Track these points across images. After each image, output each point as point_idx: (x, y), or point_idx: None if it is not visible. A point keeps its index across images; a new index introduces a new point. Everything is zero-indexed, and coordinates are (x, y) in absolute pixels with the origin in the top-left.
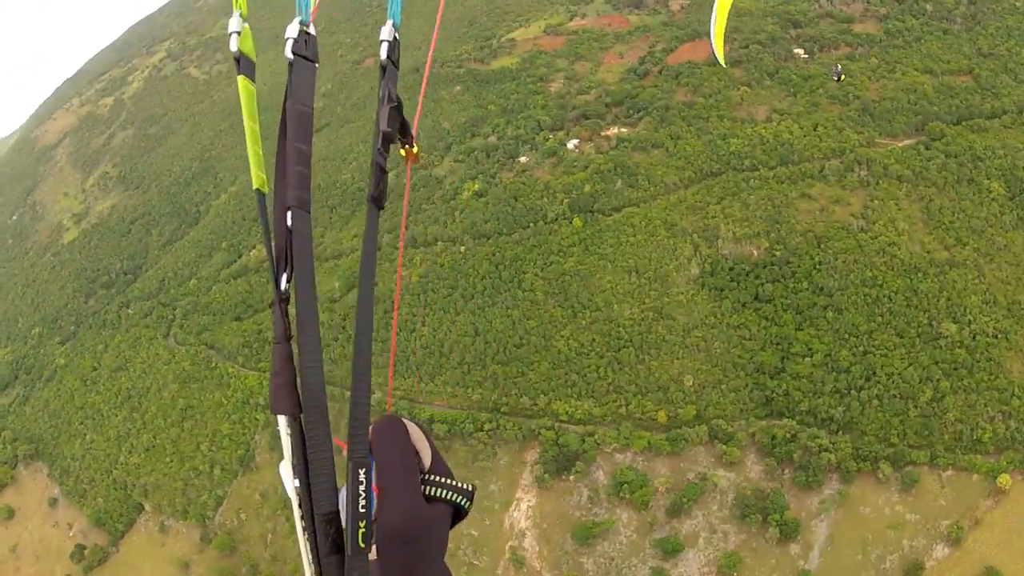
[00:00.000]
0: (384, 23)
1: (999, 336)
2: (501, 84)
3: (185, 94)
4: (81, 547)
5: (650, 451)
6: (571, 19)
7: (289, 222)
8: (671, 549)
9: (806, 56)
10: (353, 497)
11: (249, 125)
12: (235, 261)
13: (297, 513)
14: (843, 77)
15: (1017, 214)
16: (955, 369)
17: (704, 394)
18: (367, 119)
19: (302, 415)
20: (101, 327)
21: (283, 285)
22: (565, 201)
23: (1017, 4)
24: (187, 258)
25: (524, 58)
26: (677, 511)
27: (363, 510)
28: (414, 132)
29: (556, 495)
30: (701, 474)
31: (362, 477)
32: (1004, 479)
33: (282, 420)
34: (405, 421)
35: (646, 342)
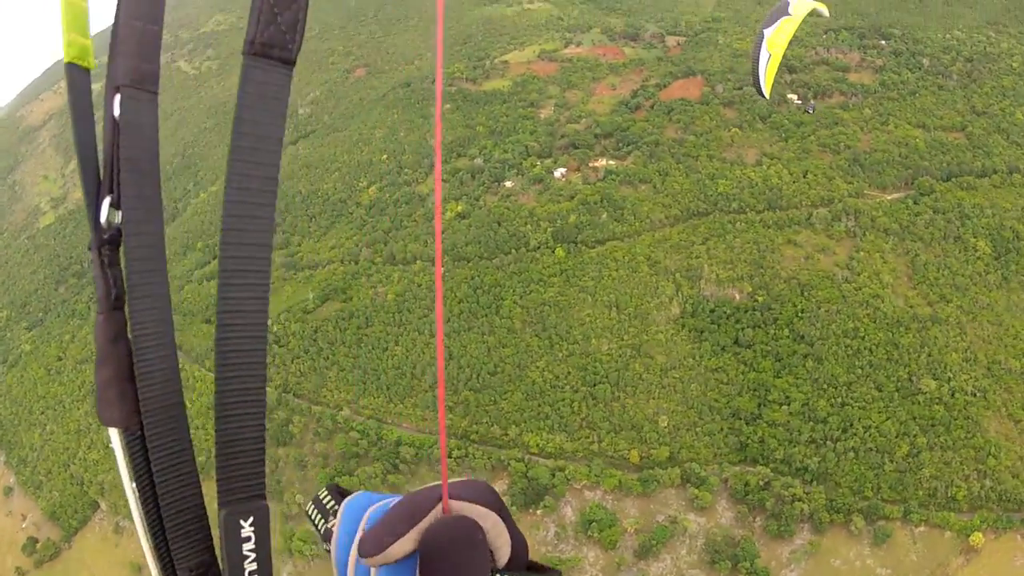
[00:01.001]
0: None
1: (977, 395)
2: (491, 106)
3: (173, 87)
4: (33, 540)
5: (620, 490)
6: (566, 46)
7: (116, 111)
8: None
9: (800, 102)
10: (234, 561)
11: None
12: (209, 262)
13: (152, 563)
14: (814, 111)
15: (1001, 274)
16: (932, 425)
17: (678, 436)
18: (354, 128)
19: (144, 425)
20: (70, 316)
21: (103, 216)
22: (549, 229)
23: (1014, 64)
24: None
25: (516, 81)
26: (645, 553)
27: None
28: (437, 149)
29: (523, 529)
30: (671, 517)
31: (247, 531)
32: (977, 538)
33: (114, 434)
34: (477, 516)
35: (622, 379)
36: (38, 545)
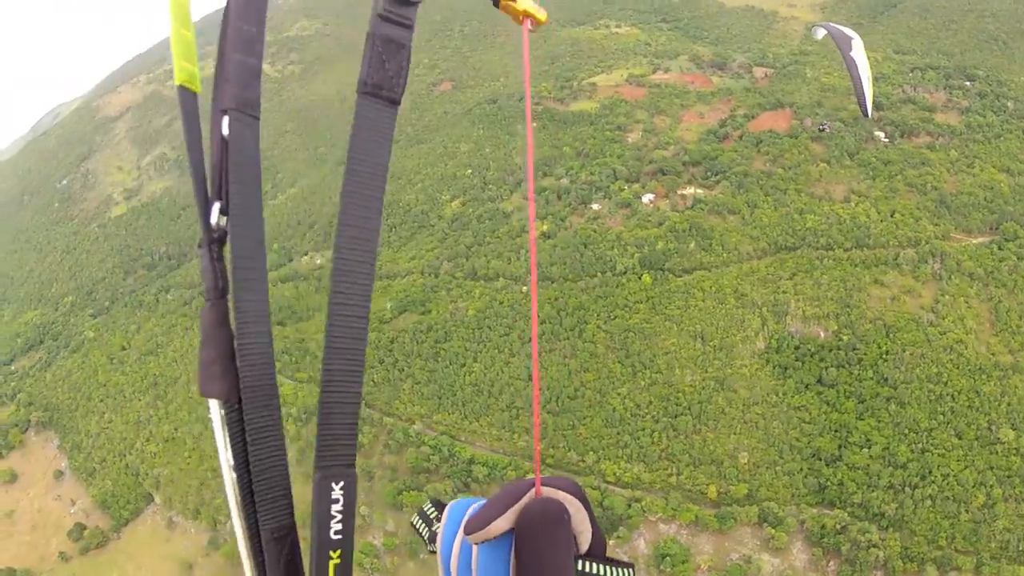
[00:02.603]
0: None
1: None
2: (578, 127)
3: None
4: (81, 526)
5: (696, 525)
6: (654, 71)
7: (225, 130)
8: None
9: (887, 140)
10: (322, 519)
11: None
12: (285, 264)
13: (238, 523)
14: (826, 130)
15: None
16: (1008, 476)
17: (758, 474)
18: (438, 141)
19: (241, 399)
20: (137, 307)
21: (214, 219)
22: (636, 255)
23: None
24: None
25: (604, 104)
26: None
27: (336, 536)
28: (529, 169)
29: None
30: (746, 556)
31: (336, 494)
32: None
33: (214, 405)
34: (561, 498)
35: (704, 412)
36: (85, 532)
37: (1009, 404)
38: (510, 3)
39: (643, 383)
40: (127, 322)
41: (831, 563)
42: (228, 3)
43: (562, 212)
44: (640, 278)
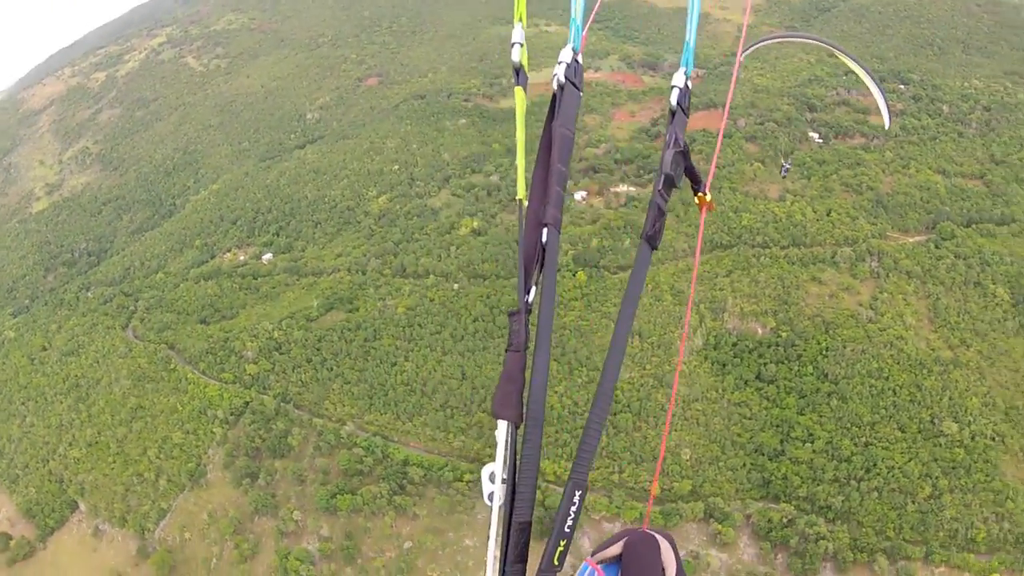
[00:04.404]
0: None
1: (996, 439)
2: (508, 124)
3: (179, 82)
4: (7, 536)
5: (641, 523)
6: (585, 70)
7: (545, 238)
8: None
9: (820, 141)
10: (563, 516)
11: (521, 136)
12: (207, 261)
13: (495, 517)
14: (786, 175)
15: (1019, 321)
16: (953, 468)
17: (701, 469)
18: (364, 137)
19: (522, 424)
20: (57, 306)
21: (529, 297)
22: (570, 252)
23: None
24: (157, 250)
25: (534, 102)
26: None
27: (568, 530)
28: (710, 178)
29: (537, 559)
30: (693, 552)
31: (576, 499)
32: None
33: (501, 425)
34: (657, 537)
35: (644, 409)
36: (11, 543)
37: (951, 398)
38: (703, 196)
39: (580, 381)
40: (48, 321)
41: (779, 556)
42: (550, 147)
43: (492, 209)
44: (575, 275)
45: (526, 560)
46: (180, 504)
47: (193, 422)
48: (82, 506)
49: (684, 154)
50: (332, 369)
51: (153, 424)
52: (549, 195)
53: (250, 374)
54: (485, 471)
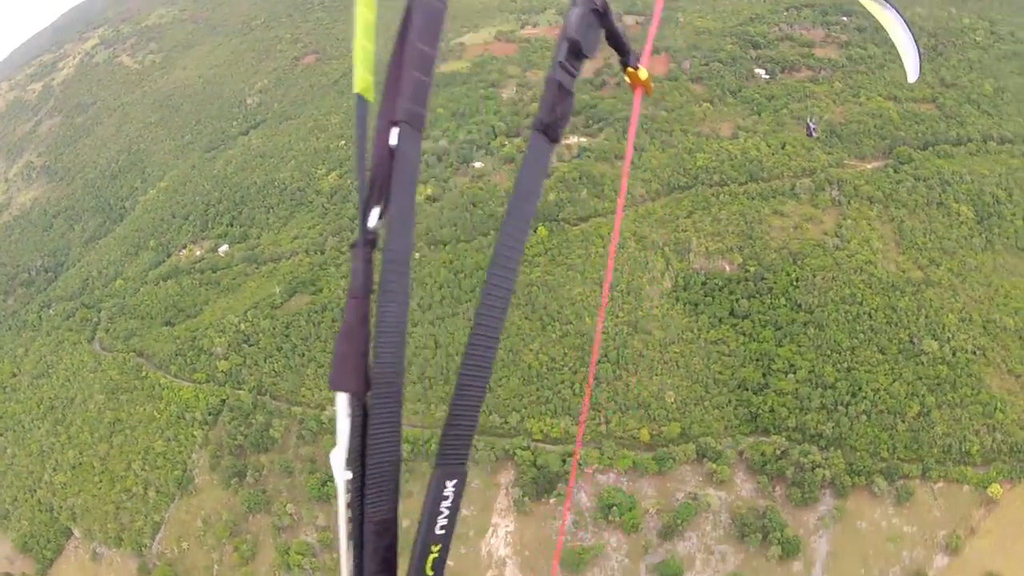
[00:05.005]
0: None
1: (977, 353)
2: (451, 87)
3: (116, 83)
4: (7, 575)
5: (635, 471)
6: (522, 27)
7: (393, 140)
8: (670, 573)
9: (767, 77)
10: (431, 513)
11: (362, 12)
12: (164, 261)
13: (343, 514)
14: (817, 134)
15: (986, 237)
16: (939, 385)
17: (687, 411)
18: (308, 116)
19: (369, 394)
20: (21, 328)
21: (372, 222)
22: None
23: (977, 39)
24: (112, 256)
25: (475, 63)
26: (670, 533)
27: (440, 531)
28: (647, 52)
29: (536, 520)
30: (691, 494)
31: (448, 491)
32: (995, 489)
33: (341, 398)
34: None
35: (623, 357)
36: None
37: (927, 317)
38: (636, 73)
39: (554, 336)
40: (13, 345)
41: (778, 488)
42: (407, 22)
43: (444, 174)
44: (535, 231)
45: (394, 569)
46: (172, 514)
47: (172, 428)
48: (76, 532)
49: (601, 14)
50: (304, 355)
51: (133, 436)
52: (402, 84)
53: (222, 371)
54: (333, 456)
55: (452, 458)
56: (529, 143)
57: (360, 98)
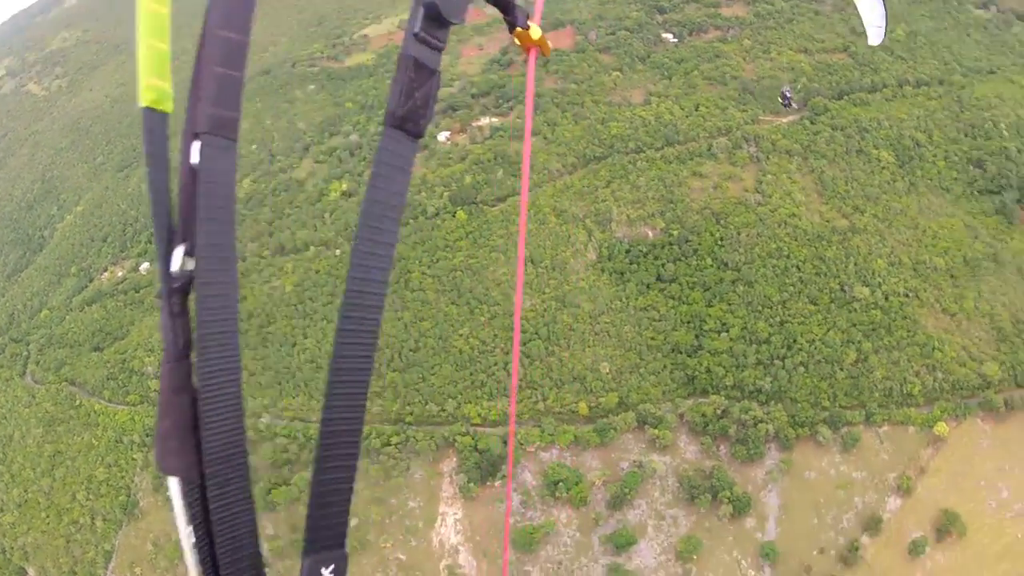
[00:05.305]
0: None
1: (910, 295)
2: (358, 81)
3: (25, 112)
4: None
5: (577, 445)
6: None
7: (194, 159)
8: (623, 543)
9: (675, 40)
10: None
11: (147, 4)
12: (87, 286)
13: None
14: (789, 104)
15: (908, 180)
16: (874, 330)
17: (623, 380)
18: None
19: (206, 475)
20: None
21: (175, 265)
22: (445, 194)
23: None
24: (36, 287)
25: (380, 54)
26: (619, 503)
27: None
28: (539, 7)
29: (484, 504)
30: (636, 462)
31: None
32: (941, 428)
33: (173, 482)
34: None
35: (553, 333)
36: None
37: (856, 264)
38: (526, 33)
39: (483, 319)
40: None
41: (722, 448)
42: (208, 11)
43: (358, 168)
44: (454, 216)
45: None
46: (122, 541)
47: (112, 454)
48: (31, 571)
49: None
50: None
51: (75, 467)
52: (203, 86)
53: (155, 390)
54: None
55: (327, 541)
56: (381, 143)
57: (150, 112)
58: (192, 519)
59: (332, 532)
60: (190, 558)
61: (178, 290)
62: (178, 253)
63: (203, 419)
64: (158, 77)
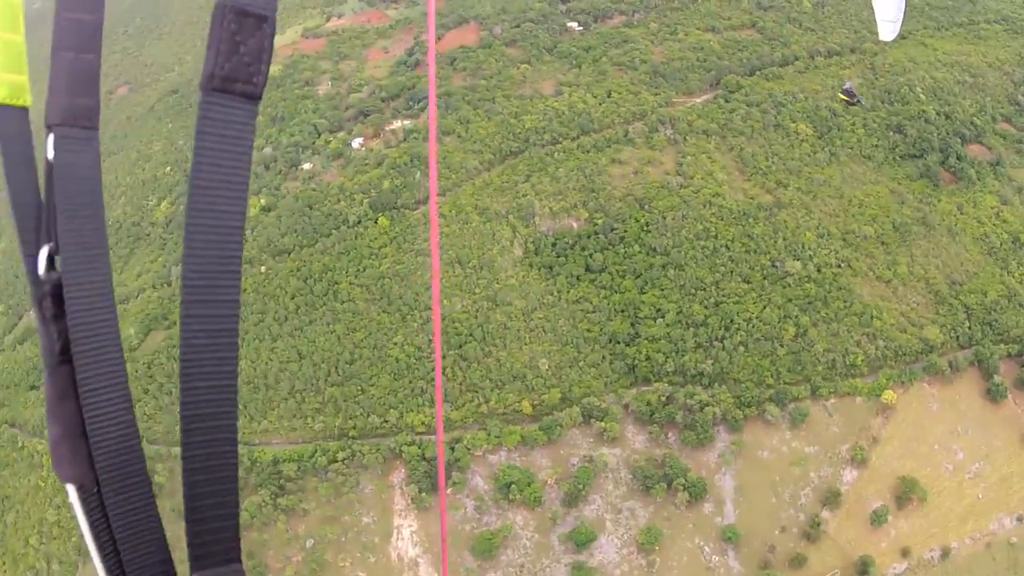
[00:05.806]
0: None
1: (842, 265)
2: (267, 92)
3: None
4: None
5: (525, 445)
6: (328, 20)
7: (50, 154)
8: (583, 540)
9: (581, 28)
10: None
11: None
12: (16, 324)
13: None
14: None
15: (829, 151)
16: (810, 303)
17: (564, 375)
18: (130, 148)
19: (100, 482)
20: None
21: (42, 268)
22: (365, 201)
23: None
24: None
25: (286, 64)
26: (574, 500)
27: None
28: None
29: (438, 514)
30: (586, 456)
31: None
32: (889, 395)
33: (71, 490)
34: None
35: (487, 333)
36: None
37: (784, 239)
38: None
39: (415, 325)
40: None
41: (671, 435)
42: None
43: (275, 181)
44: (376, 223)
45: None
46: None
47: (59, 494)
48: None
49: None
50: (171, 393)
51: (24, 511)
52: (55, 76)
53: None
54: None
55: (215, 556)
56: (200, 113)
57: (4, 109)
58: (93, 527)
59: (221, 547)
60: (98, 567)
61: (49, 293)
62: (43, 254)
63: (88, 424)
64: (11, 71)
